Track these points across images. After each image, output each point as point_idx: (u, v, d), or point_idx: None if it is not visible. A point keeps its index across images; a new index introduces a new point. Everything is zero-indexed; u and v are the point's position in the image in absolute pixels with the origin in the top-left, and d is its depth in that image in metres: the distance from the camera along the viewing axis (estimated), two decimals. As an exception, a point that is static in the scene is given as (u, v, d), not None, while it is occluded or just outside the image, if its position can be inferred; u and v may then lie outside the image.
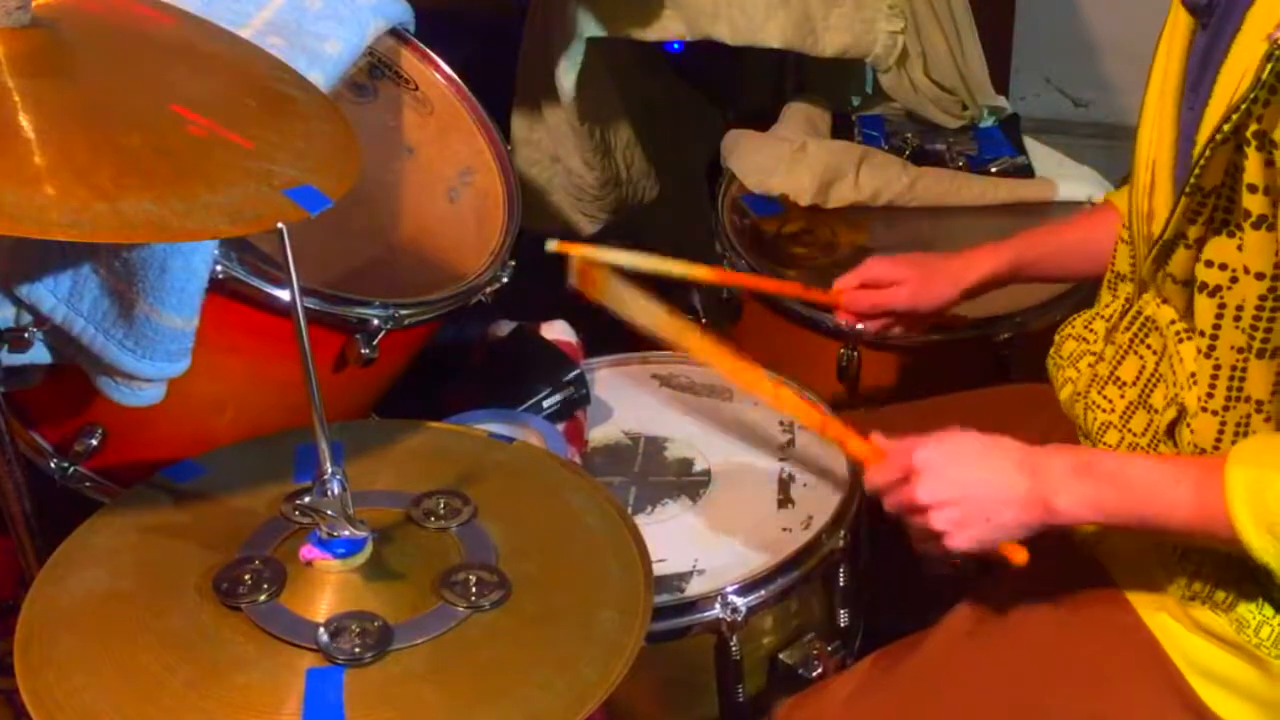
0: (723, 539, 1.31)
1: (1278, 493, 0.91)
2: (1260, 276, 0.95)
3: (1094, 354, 1.17)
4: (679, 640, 1.22)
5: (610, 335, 1.66)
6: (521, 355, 1.52)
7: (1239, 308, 0.97)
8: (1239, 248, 0.96)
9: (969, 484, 1.04)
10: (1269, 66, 0.88)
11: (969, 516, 1.04)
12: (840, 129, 2.07)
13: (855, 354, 1.64)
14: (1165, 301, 1.07)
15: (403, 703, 0.84)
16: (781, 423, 1.47)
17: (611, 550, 0.99)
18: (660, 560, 1.24)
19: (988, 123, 2.10)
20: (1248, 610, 1.04)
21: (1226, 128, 0.91)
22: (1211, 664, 1.06)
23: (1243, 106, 0.90)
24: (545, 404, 1.44)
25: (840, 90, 2.19)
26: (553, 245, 1.43)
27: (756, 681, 1.26)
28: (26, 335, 1.11)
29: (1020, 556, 1.06)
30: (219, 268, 1.15)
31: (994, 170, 1.98)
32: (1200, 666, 1.07)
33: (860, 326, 1.53)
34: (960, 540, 1.05)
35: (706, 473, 1.41)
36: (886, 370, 1.68)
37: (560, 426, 1.43)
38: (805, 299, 1.61)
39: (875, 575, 1.37)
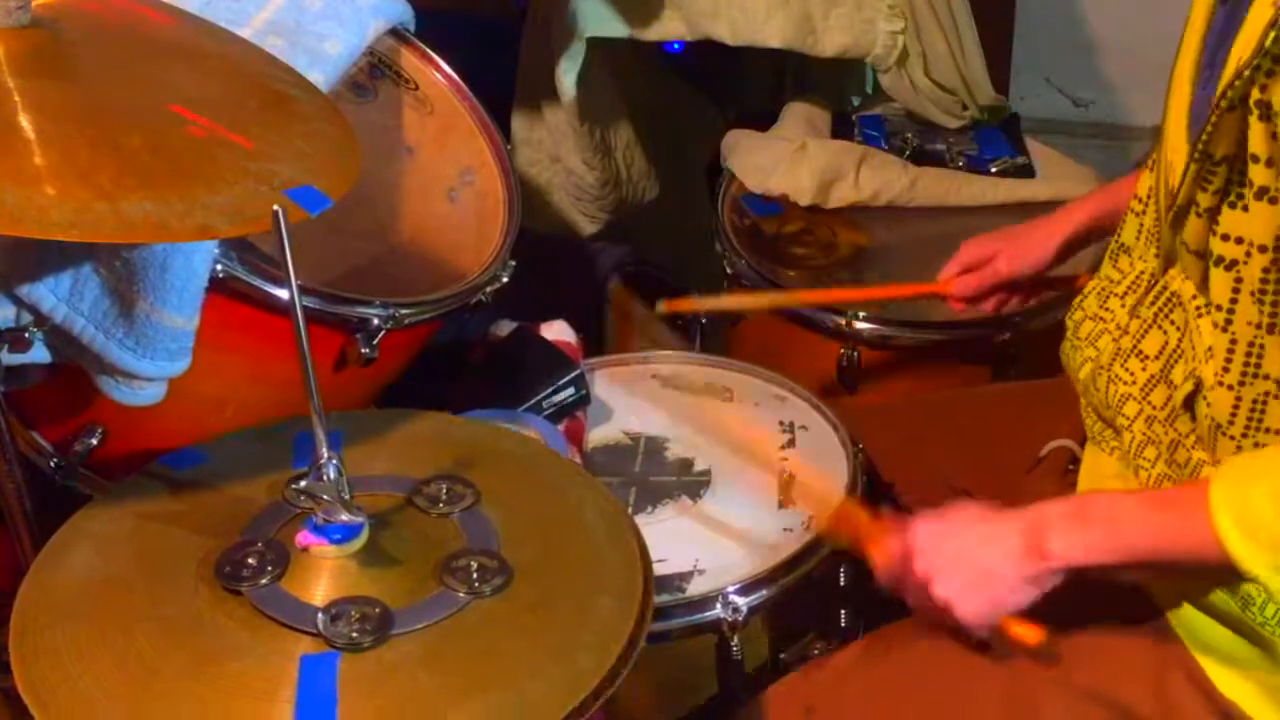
0: (723, 539, 1.31)
1: (1259, 500, 0.92)
2: (1263, 250, 0.95)
3: (1119, 327, 1.16)
4: (680, 640, 1.22)
5: (610, 336, 1.67)
6: (521, 355, 1.52)
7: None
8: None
9: (963, 548, 1.04)
10: (1271, 34, 0.87)
11: (967, 580, 1.03)
12: (840, 129, 2.06)
13: (855, 354, 1.64)
14: (1188, 276, 1.07)
15: (397, 689, 0.84)
16: (781, 422, 1.47)
17: (611, 550, 0.98)
18: (661, 560, 1.24)
19: (988, 123, 2.10)
20: (1253, 587, 1.02)
21: (1231, 94, 0.91)
22: (1219, 643, 1.06)
23: (1245, 74, 0.89)
24: (545, 404, 1.44)
25: (840, 90, 2.19)
26: (662, 308, 1.56)
27: (757, 681, 1.26)
28: (26, 335, 1.11)
29: (1033, 636, 1.04)
30: (219, 267, 1.15)
31: (994, 170, 1.98)
32: (1207, 645, 1.06)
33: (983, 308, 1.53)
34: (967, 608, 1.03)
35: (706, 473, 1.40)
36: (886, 370, 1.68)
37: (560, 426, 1.43)
38: (917, 295, 1.60)
39: (875, 575, 1.37)
